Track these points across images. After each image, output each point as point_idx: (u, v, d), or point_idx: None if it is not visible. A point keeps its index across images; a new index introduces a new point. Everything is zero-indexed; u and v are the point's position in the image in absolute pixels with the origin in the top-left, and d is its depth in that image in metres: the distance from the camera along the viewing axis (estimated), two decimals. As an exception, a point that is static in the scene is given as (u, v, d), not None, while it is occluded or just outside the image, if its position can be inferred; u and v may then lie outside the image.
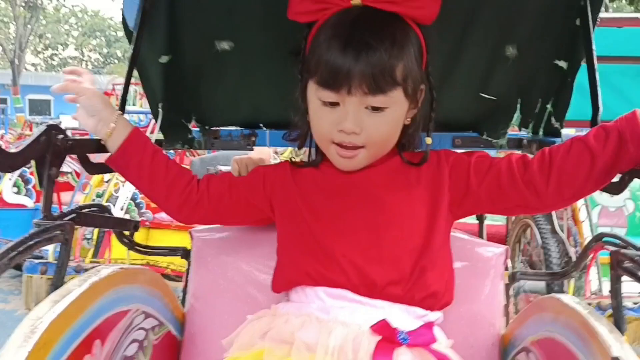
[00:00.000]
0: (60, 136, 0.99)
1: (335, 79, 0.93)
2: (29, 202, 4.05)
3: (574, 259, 1.26)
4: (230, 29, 1.25)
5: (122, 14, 1.21)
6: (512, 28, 1.25)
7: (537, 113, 1.37)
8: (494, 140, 1.46)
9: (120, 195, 3.49)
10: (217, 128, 1.49)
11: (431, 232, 1.02)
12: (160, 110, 1.33)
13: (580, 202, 2.92)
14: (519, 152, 1.36)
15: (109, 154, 1.10)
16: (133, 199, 3.51)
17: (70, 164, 4.43)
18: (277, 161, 1.69)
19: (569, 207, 2.90)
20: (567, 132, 1.37)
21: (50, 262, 3.02)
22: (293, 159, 1.18)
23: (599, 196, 3.23)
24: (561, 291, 2.37)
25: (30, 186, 4.09)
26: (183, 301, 1.30)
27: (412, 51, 0.96)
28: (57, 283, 0.92)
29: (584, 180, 0.94)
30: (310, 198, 1.07)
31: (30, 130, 7.65)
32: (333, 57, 0.92)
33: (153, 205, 3.29)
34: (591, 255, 1.25)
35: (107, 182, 3.55)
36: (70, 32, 37.68)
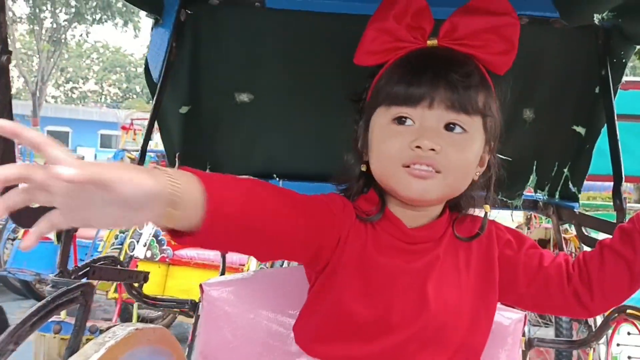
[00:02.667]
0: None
1: (414, 92, 0.87)
2: (52, 235, 4.10)
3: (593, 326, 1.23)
4: (250, 81, 1.27)
5: (146, 65, 1.23)
6: (531, 92, 1.26)
7: (553, 176, 1.38)
8: (510, 201, 1.46)
9: (144, 231, 3.55)
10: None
11: (480, 325, 0.98)
12: (177, 160, 1.36)
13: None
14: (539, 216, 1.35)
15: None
16: (155, 235, 3.58)
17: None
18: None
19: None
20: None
21: (64, 321, 2.81)
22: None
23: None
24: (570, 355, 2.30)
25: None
26: (189, 355, 1.28)
27: (491, 90, 0.93)
28: (74, 346, 0.92)
29: (627, 288, 0.93)
30: (363, 266, 0.94)
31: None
32: (413, 76, 0.88)
33: (174, 242, 3.33)
34: (613, 327, 1.22)
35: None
36: (91, 66, 38.52)
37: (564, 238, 1.34)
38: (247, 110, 1.31)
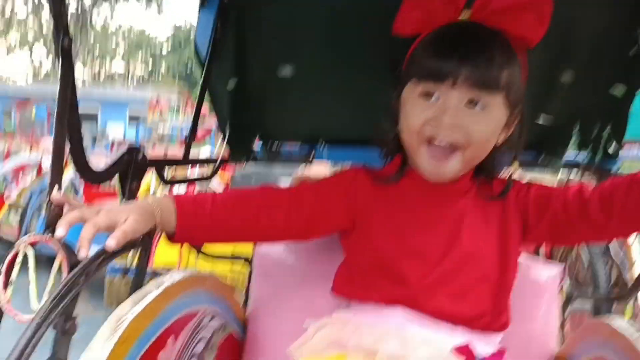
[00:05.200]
0: (140, 155, 1.09)
1: (440, 71, 0.91)
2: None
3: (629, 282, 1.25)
4: (292, 54, 1.32)
5: (195, 45, 1.30)
6: (568, 55, 1.28)
7: (594, 137, 1.38)
8: (552, 161, 1.47)
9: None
10: (278, 146, 1.58)
11: (506, 268, 1.02)
12: (227, 129, 1.43)
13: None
14: (578, 178, 1.36)
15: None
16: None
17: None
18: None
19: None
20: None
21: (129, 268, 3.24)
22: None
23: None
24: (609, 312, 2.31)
25: (78, 195, 4.22)
26: (245, 302, 1.36)
27: (517, 65, 0.95)
28: (137, 285, 0.99)
29: None
30: (391, 217, 1.03)
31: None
32: (440, 54, 0.92)
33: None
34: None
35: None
36: (116, 48, 38.92)
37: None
38: (290, 82, 1.35)
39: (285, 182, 1.90)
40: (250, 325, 1.30)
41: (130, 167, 1.06)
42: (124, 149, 1.08)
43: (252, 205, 1.02)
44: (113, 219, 0.82)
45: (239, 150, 1.49)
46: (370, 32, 1.17)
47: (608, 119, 1.35)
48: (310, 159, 1.56)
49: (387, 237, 1.02)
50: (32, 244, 0.84)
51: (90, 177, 0.97)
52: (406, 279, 0.99)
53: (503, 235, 1.02)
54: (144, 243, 0.97)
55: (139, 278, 1.00)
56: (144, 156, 1.10)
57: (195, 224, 0.98)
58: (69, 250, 0.83)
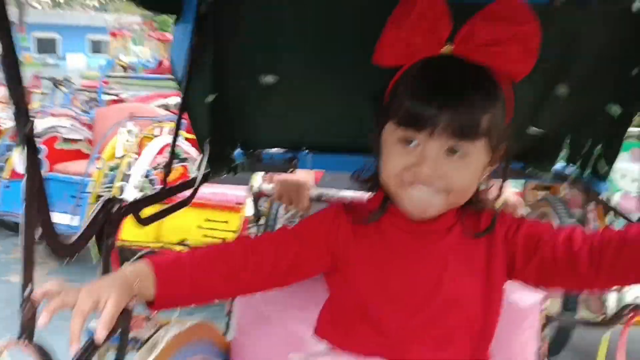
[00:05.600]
0: (116, 207, 1.01)
1: (418, 119, 0.88)
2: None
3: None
4: (274, 63, 1.25)
5: (171, 63, 1.21)
6: (566, 69, 1.20)
7: (585, 152, 1.33)
8: (539, 172, 1.42)
9: (133, 172, 3.45)
10: (260, 151, 1.50)
11: (490, 313, 0.99)
12: (207, 145, 1.34)
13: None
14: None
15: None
16: (146, 175, 3.47)
17: (82, 131, 4.38)
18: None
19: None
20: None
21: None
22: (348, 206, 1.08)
23: (622, 180, 3.18)
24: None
25: (41, 156, 4.03)
26: (227, 325, 1.36)
27: (499, 105, 0.91)
28: (120, 351, 0.97)
29: (635, 280, 0.89)
30: (371, 259, 1.00)
31: (38, 85, 7.28)
32: (419, 99, 0.88)
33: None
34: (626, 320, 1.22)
35: (119, 158, 3.51)
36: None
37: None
38: (273, 90, 1.28)
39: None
40: (233, 354, 1.28)
41: (106, 223, 1.00)
42: (98, 204, 1.00)
43: (232, 261, 0.99)
44: (96, 300, 0.81)
45: (219, 164, 1.41)
46: (354, 39, 1.11)
47: (601, 138, 1.29)
48: (293, 166, 1.49)
49: (367, 280, 0.99)
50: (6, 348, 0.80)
51: (64, 251, 0.89)
52: (385, 326, 0.97)
53: (488, 275, 0.98)
54: (123, 315, 0.91)
55: (122, 344, 0.97)
56: (120, 207, 1.03)
57: (175, 293, 0.95)
58: (47, 357, 0.80)
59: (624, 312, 1.22)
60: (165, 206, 1.26)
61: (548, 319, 1.32)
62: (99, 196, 3.63)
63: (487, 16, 0.90)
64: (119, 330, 0.99)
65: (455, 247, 0.99)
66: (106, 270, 0.99)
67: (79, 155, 4.24)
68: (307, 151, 1.47)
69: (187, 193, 1.33)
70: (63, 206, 3.71)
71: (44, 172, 3.04)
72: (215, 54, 1.20)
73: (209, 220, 3.45)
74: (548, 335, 1.38)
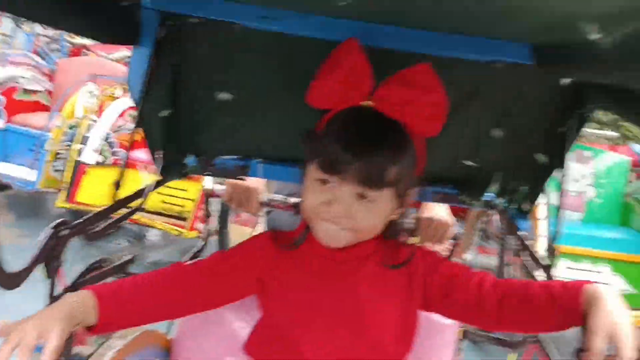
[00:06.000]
0: (66, 231, 1.05)
1: (333, 165, 0.98)
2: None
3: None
4: (230, 82, 1.30)
5: (129, 86, 1.25)
6: (500, 117, 1.31)
7: (512, 190, 1.43)
8: (471, 200, 1.52)
9: (92, 134, 3.42)
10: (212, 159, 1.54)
11: (404, 340, 1.09)
12: (159, 154, 1.39)
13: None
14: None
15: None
16: (105, 138, 3.44)
17: (42, 82, 4.26)
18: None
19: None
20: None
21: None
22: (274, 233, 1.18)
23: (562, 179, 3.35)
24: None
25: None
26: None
27: (408, 159, 1.02)
28: None
29: (532, 330, 1.05)
30: (290, 285, 1.09)
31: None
32: (335, 149, 0.98)
33: (126, 143, 3.26)
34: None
35: (79, 118, 3.46)
36: None
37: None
38: (228, 105, 1.33)
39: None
40: (174, 354, 1.35)
41: (55, 248, 1.03)
42: (48, 231, 1.02)
43: (169, 289, 1.07)
44: (42, 332, 0.87)
45: (170, 171, 1.45)
46: (298, 74, 1.16)
47: (527, 181, 1.39)
48: (244, 173, 1.53)
49: (286, 304, 1.09)
50: None
51: (8, 283, 0.93)
52: (303, 348, 1.05)
53: (404, 304, 1.08)
54: (67, 340, 0.98)
55: None
56: (69, 230, 1.06)
57: (115, 320, 1.03)
58: None
59: (527, 340, 1.36)
60: (116, 217, 1.29)
61: (465, 334, 1.45)
62: (57, 154, 3.60)
63: (401, 80, 1.02)
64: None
65: (372, 275, 1.07)
66: (52, 289, 1.04)
67: (38, 106, 4.16)
68: (258, 161, 1.51)
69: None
70: (21, 159, 3.69)
71: (3, 123, 2.97)
72: (173, 74, 1.25)
73: (168, 187, 3.49)
74: (462, 350, 1.52)
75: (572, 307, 0.92)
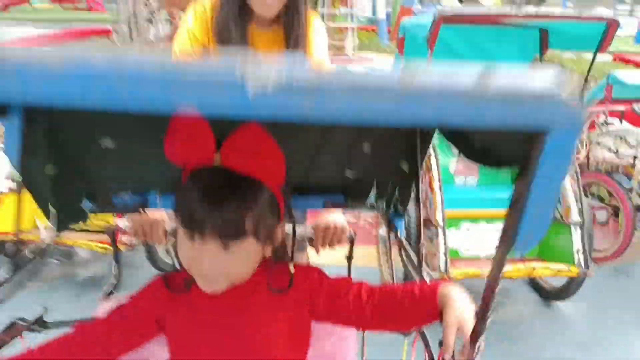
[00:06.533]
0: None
1: (192, 222, 1.03)
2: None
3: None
4: (110, 131, 1.33)
5: (7, 156, 1.21)
6: (367, 133, 1.46)
7: (388, 195, 1.66)
8: (357, 205, 1.74)
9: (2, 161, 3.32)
10: (109, 197, 1.58)
11: (297, 350, 1.21)
12: (50, 208, 1.40)
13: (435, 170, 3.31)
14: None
15: None
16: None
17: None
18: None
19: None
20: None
21: None
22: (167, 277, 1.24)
23: (454, 148, 3.63)
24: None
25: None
26: None
27: (264, 205, 1.07)
28: None
29: (405, 327, 1.26)
30: (182, 327, 1.16)
31: None
32: (191, 206, 1.03)
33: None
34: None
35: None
36: None
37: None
38: (113, 151, 1.36)
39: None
40: None
41: None
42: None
43: (73, 352, 1.14)
44: None
45: (67, 221, 1.48)
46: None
47: (397, 186, 1.62)
48: (143, 207, 1.60)
49: (185, 345, 1.17)
50: None
51: None
52: None
53: (294, 322, 1.19)
54: None
55: None
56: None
57: None
58: None
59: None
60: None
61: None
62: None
63: (240, 137, 1.05)
64: None
65: (260, 303, 1.16)
66: None
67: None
68: (154, 192, 1.57)
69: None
70: None
71: None
72: (50, 134, 1.25)
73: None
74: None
75: (430, 306, 1.10)
